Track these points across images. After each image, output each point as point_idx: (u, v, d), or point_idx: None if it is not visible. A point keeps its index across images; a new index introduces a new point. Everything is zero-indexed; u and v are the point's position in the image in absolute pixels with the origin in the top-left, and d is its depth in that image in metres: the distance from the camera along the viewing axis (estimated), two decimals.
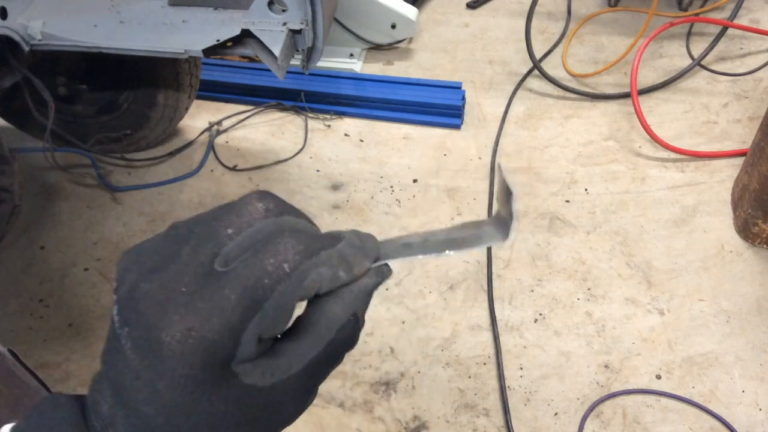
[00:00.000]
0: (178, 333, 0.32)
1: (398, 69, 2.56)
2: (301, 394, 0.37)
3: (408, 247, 0.41)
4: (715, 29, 2.40)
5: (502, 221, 0.42)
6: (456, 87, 2.31)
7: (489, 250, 1.80)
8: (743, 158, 1.94)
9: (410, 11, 2.55)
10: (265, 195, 0.38)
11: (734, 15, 2.31)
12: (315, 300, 0.37)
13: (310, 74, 2.19)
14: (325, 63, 2.50)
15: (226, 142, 2.24)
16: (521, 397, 1.49)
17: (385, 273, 0.40)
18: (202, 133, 2.25)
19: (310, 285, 0.34)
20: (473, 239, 0.42)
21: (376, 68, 2.56)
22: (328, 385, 1.52)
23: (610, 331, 1.62)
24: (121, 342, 0.33)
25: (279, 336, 0.36)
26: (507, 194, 0.42)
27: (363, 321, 0.38)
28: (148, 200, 2.03)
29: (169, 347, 0.32)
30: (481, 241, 0.42)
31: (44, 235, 1.93)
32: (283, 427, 0.37)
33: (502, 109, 2.31)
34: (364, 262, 0.38)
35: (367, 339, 1.61)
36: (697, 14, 2.67)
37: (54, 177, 2.10)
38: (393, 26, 2.53)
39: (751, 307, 1.66)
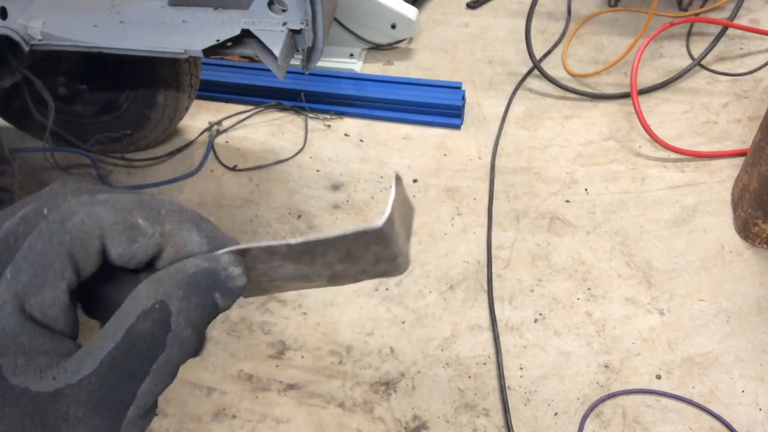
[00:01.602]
0: None
1: (398, 69, 2.56)
2: (100, 416, 0.26)
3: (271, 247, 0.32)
4: (715, 29, 2.40)
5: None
6: (456, 87, 2.31)
7: (489, 250, 1.80)
8: (743, 158, 1.94)
9: (410, 11, 2.55)
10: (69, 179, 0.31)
11: (734, 15, 2.31)
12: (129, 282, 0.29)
13: (310, 74, 2.19)
14: (325, 63, 2.50)
15: (226, 142, 2.24)
16: (521, 397, 1.49)
17: (221, 264, 0.29)
18: (202, 133, 2.25)
19: (77, 228, 0.27)
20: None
21: (376, 68, 2.56)
22: (329, 385, 1.52)
23: (610, 331, 1.62)
24: None
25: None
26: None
27: (189, 329, 0.28)
28: None
29: None
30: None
31: None
32: None
33: (502, 109, 2.31)
34: (191, 232, 0.29)
35: (367, 339, 1.61)
36: (697, 14, 2.67)
37: (54, 177, 2.09)
38: (393, 26, 2.53)
39: (751, 307, 1.66)
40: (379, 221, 0.31)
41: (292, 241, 0.31)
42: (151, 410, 0.28)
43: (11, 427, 0.25)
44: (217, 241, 0.30)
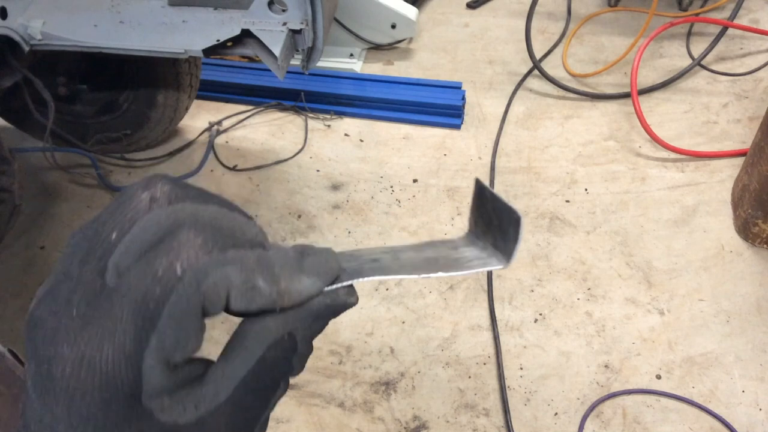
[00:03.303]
0: (68, 366, 0.27)
1: (398, 69, 2.56)
2: (236, 430, 0.31)
3: (377, 263, 0.35)
4: (715, 29, 2.40)
5: (494, 243, 0.36)
6: (456, 87, 2.31)
7: None
8: (743, 158, 1.94)
9: (410, 11, 2.55)
10: (151, 181, 0.31)
11: (734, 15, 2.31)
12: (249, 317, 0.32)
13: (310, 74, 2.19)
14: (325, 63, 2.50)
15: (226, 142, 2.24)
16: (521, 397, 1.49)
17: (340, 297, 0.33)
18: (202, 133, 2.25)
19: (211, 289, 0.28)
20: (465, 262, 0.36)
21: (376, 68, 2.56)
22: (329, 385, 1.52)
23: (610, 331, 1.62)
24: (25, 379, 0.29)
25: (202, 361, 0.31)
26: (506, 215, 0.35)
27: (308, 348, 0.33)
28: None
29: (61, 383, 0.27)
30: (474, 265, 0.36)
31: (44, 235, 1.93)
32: None
33: (502, 109, 2.31)
34: (302, 279, 0.31)
35: (367, 339, 1.61)
36: (697, 14, 2.67)
37: (54, 177, 2.10)
38: (393, 26, 2.53)
39: (751, 307, 1.66)
40: (504, 262, 0.34)
41: (416, 276, 0.34)
42: (267, 421, 0.33)
43: None
44: (326, 274, 0.32)
